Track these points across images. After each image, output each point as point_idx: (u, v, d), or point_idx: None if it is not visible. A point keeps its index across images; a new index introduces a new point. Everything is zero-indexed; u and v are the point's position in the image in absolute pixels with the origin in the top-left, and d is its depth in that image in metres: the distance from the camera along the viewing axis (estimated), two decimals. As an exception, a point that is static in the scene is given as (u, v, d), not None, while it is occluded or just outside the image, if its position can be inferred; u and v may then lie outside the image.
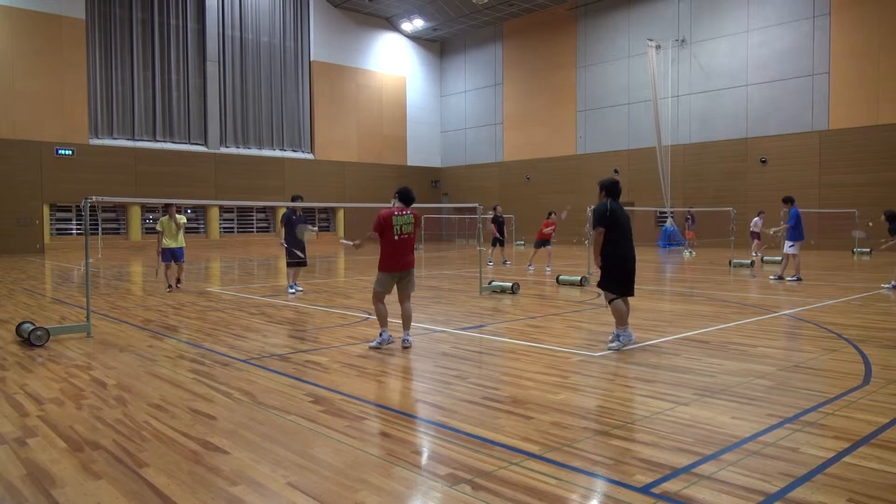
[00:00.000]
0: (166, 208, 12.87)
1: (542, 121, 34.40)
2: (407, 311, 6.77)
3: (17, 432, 4.07)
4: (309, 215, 34.93)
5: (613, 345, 6.47)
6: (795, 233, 12.97)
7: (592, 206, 6.86)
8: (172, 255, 12.61)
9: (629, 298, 6.67)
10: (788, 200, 13.35)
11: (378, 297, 6.73)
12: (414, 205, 6.87)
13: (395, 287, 6.81)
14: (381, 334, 6.72)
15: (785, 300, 10.41)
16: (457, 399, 4.78)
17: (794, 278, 13.11)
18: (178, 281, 13.00)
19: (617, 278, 6.54)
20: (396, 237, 6.63)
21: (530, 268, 17.00)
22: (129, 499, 3.07)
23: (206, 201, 31.92)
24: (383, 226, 6.62)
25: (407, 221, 6.70)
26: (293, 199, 11.93)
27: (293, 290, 11.88)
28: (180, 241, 12.65)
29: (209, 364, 6.03)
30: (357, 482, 3.24)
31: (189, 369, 5.81)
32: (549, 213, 17.10)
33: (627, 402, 4.69)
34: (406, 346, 6.67)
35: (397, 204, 6.74)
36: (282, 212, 33.32)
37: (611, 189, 6.69)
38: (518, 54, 35.54)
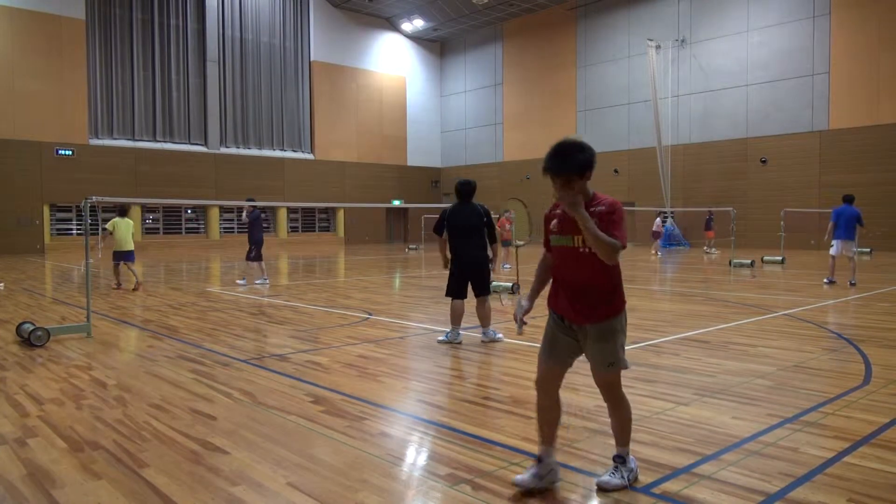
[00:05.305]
0: (120, 210, 13.52)
1: (542, 121, 34.38)
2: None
3: (17, 432, 4.06)
4: (308, 215, 35.02)
5: (440, 338, 7.02)
6: (836, 232, 12.41)
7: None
8: (122, 257, 12.86)
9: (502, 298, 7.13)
10: (845, 199, 12.53)
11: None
12: (415, 204, 7.04)
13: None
14: None
15: (785, 300, 10.41)
16: (457, 399, 4.78)
17: (827, 280, 12.79)
18: (137, 284, 12.81)
19: (450, 282, 7.12)
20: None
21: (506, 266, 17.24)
22: (129, 499, 3.07)
23: (206, 201, 31.89)
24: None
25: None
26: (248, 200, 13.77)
27: (258, 283, 13.43)
28: (129, 243, 12.84)
29: (209, 364, 6.03)
30: (357, 482, 3.24)
31: (189, 369, 5.81)
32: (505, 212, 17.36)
33: (627, 402, 4.69)
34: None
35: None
36: (281, 212, 33.77)
37: (458, 190, 7.00)
38: (518, 54, 35.53)
